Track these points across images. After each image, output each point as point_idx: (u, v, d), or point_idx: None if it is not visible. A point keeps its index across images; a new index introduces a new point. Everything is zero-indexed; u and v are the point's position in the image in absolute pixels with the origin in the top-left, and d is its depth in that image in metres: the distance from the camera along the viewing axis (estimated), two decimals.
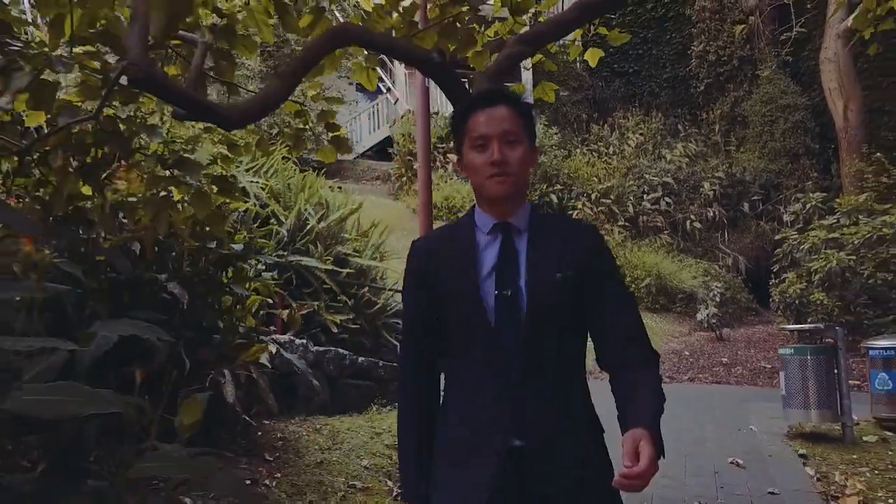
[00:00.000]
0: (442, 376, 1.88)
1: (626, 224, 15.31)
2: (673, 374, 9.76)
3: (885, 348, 6.90)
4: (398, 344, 1.76)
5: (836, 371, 6.42)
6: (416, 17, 4.16)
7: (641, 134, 19.04)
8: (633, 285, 13.46)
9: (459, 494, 1.70)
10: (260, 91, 2.98)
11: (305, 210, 7.84)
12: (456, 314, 1.75)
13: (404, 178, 15.55)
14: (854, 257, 10.19)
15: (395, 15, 4.03)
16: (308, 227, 7.70)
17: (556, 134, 15.88)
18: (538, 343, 1.70)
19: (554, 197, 14.84)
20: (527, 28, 4.18)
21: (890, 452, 5.99)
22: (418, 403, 1.84)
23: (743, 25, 10.37)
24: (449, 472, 1.74)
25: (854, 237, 10.29)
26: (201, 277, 4.16)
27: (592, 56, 4.50)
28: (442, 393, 1.86)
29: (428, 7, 4.16)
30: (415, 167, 16.02)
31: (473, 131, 1.75)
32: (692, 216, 16.37)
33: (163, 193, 3.67)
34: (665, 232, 15.74)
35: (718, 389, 9.02)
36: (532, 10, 4.10)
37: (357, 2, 4.49)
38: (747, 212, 16.69)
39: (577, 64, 21.97)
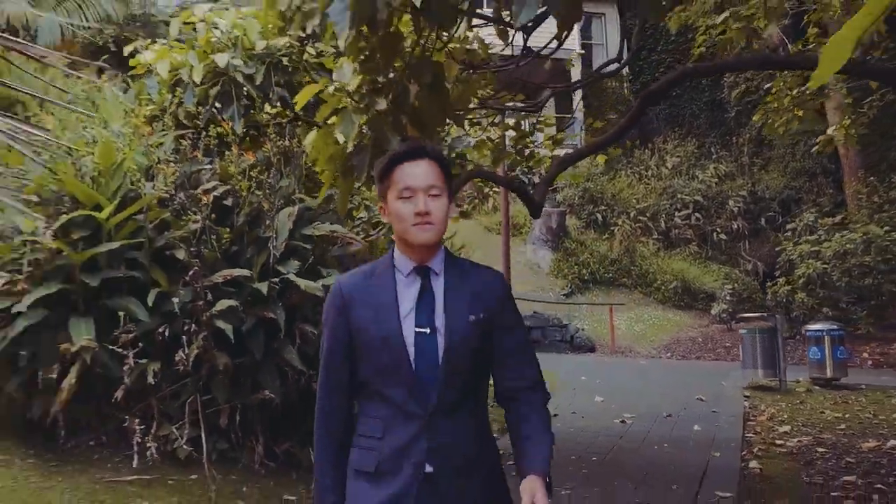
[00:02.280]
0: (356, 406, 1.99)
1: (659, 237, 18.54)
2: (684, 354, 13.08)
3: (816, 330, 10.16)
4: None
5: (776, 345, 9.69)
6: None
7: (678, 157, 22.14)
8: (663, 287, 16.74)
9: None
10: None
11: None
12: (375, 350, 1.85)
13: (476, 200, 19.06)
14: (827, 266, 13.28)
15: (488, 144, 7.54)
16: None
17: (607, 159, 19.17)
18: (453, 378, 1.84)
19: (599, 216, 18.21)
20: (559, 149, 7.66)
21: (805, 395, 9.27)
22: (338, 426, 1.93)
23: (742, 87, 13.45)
24: (367, 492, 1.85)
25: (828, 250, 13.38)
26: None
27: (601, 159, 7.94)
28: (358, 422, 1.95)
29: (507, 140, 7.62)
30: (485, 191, 19.60)
31: (400, 183, 1.86)
32: (718, 229, 19.45)
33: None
34: (693, 243, 18.88)
35: (715, 364, 12.31)
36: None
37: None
38: (764, 225, 19.67)
39: (625, 89, 25.19)
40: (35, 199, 4.75)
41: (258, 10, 5.43)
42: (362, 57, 2.89)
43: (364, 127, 2.79)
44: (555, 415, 8.05)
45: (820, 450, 6.65)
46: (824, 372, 9.95)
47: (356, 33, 2.57)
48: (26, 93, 7.04)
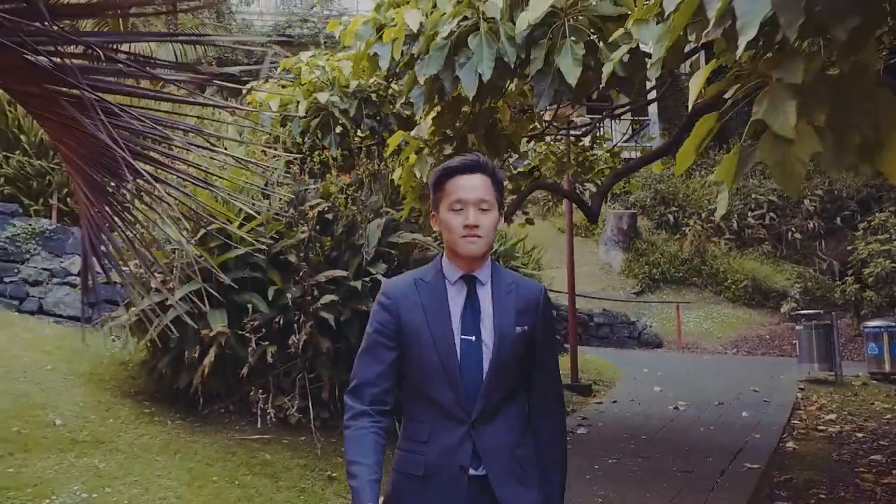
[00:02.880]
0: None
1: (731, 237, 18.87)
2: (750, 350, 13.56)
3: (875, 327, 10.56)
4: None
5: (832, 340, 10.17)
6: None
7: None
8: (733, 286, 17.13)
9: None
10: (512, 200, 7.38)
11: None
12: (425, 351, 1.91)
13: (550, 203, 19.85)
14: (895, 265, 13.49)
15: (552, 158, 8.40)
16: (493, 249, 12.31)
17: (672, 165, 19.66)
18: (498, 384, 1.91)
19: (670, 217, 18.70)
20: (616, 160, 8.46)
21: (860, 388, 9.74)
22: (379, 413, 1.93)
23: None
24: (417, 496, 1.91)
25: None
26: None
27: (657, 167, 8.67)
28: (403, 427, 2.00)
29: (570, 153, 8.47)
30: None
31: (452, 195, 1.92)
32: (793, 228, 19.59)
33: None
34: (766, 242, 19.11)
35: (778, 359, 12.76)
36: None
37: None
38: (841, 224, 19.68)
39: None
40: (178, 214, 5.95)
41: (350, 54, 6.51)
42: (434, 113, 3.88)
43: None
44: (613, 402, 8.88)
45: (859, 435, 7.25)
46: (882, 367, 10.35)
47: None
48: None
